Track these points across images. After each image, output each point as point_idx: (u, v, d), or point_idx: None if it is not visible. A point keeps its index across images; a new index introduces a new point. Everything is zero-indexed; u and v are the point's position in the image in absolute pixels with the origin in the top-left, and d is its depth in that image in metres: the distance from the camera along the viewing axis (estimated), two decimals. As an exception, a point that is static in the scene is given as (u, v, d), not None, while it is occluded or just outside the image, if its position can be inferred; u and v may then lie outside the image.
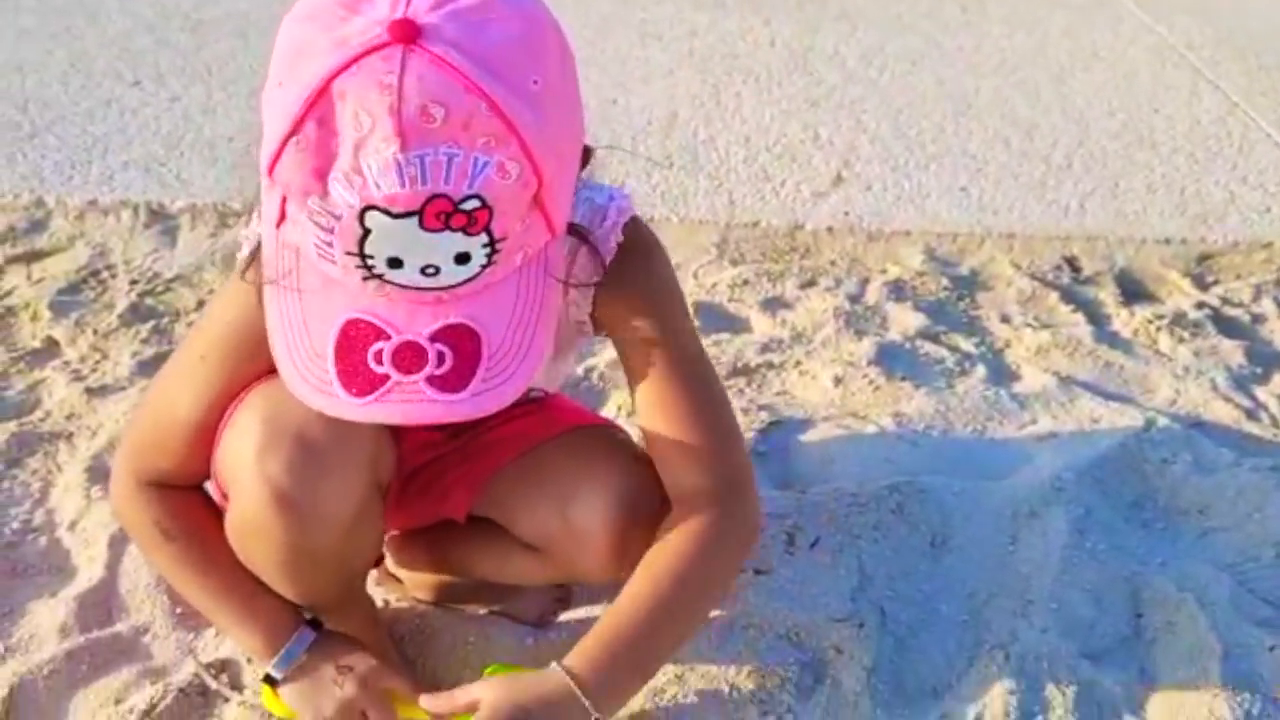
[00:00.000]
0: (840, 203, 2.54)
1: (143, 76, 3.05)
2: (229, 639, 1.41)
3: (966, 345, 2.11)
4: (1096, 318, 2.23)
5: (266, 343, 1.08)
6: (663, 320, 1.21)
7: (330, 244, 0.94)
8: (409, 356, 0.97)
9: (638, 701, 1.38)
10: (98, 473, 1.77)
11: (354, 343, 0.98)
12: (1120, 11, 3.87)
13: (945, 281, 2.30)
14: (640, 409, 1.23)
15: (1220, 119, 3.08)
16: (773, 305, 2.20)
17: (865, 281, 2.29)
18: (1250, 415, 1.98)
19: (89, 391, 1.96)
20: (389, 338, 0.97)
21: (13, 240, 2.40)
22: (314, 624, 1.28)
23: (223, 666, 1.44)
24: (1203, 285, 2.37)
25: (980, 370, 2.04)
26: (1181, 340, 2.16)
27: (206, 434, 1.22)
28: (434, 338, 0.98)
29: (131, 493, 1.28)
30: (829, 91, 3.14)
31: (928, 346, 2.09)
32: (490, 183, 0.92)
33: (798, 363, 2.02)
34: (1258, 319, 2.27)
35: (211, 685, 1.41)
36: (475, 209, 0.92)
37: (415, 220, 0.91)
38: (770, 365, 2.01)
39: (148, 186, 2.51)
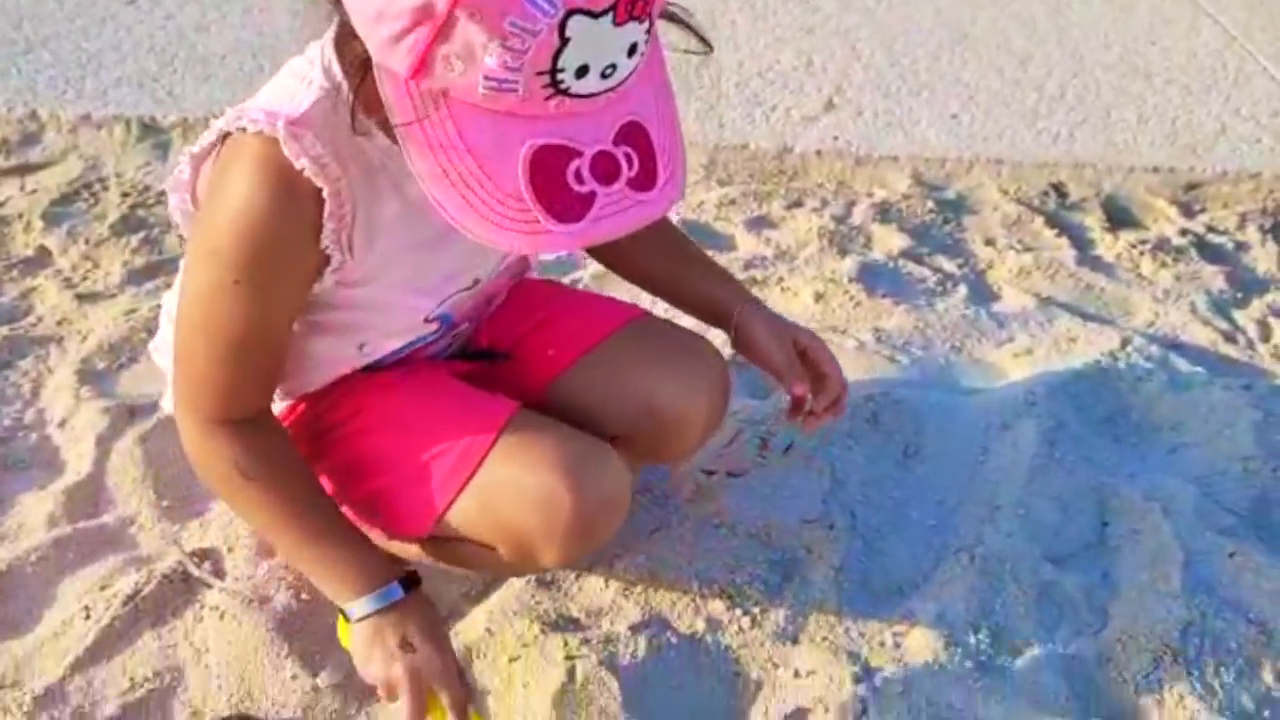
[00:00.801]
0: (830, 127, 2.54)
1: (137, -5, 3.04)
2: (310, 576, 1.29)
3: (949, 266, 2.13)
4: (1080, 242, 2.24)
5: (295, 243, 1.07)
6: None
7: (518, 67, 0.86)
8: (605, 167, 0.92)
9: (609, 593, 1.41)
10: (87, 375, 1.80)
11: (548, 170, 0.91)
12: (1122, -54, 3.84)
13: (931, 205, 2.31)
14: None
15: (1217, 52, 3.07)
16: (758, 224, 2.21)
17: (851, 203, 2.30)
18: (1228, 338, 2.00)
19: (80, 298, 1.99)
20: (580, 154, 0.91)
21: (6, 153, 2.41)
22: (408, 582, 1.21)
23: (205, 555, 1.48)
24: (1189, 213, 2.38)
25: (961, 290, 2.06)
26: (1164, 265, 2.17)
27: (264, 358, 1.18)
28: (616, 142, 0.93)
29: (202, 437, 1.21)
30: (824, 20, 3.12)
31: (910, 266, 2.11)
32: None
33: (780, 279, 2.04)
34: (1241, 246, 2.28)
35: (194, 573, 1.44)
36: None
37: (610, 17, 0.86)
38: (753, 281, 2.03)
39: (140, 101, 2.52)
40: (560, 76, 0.88)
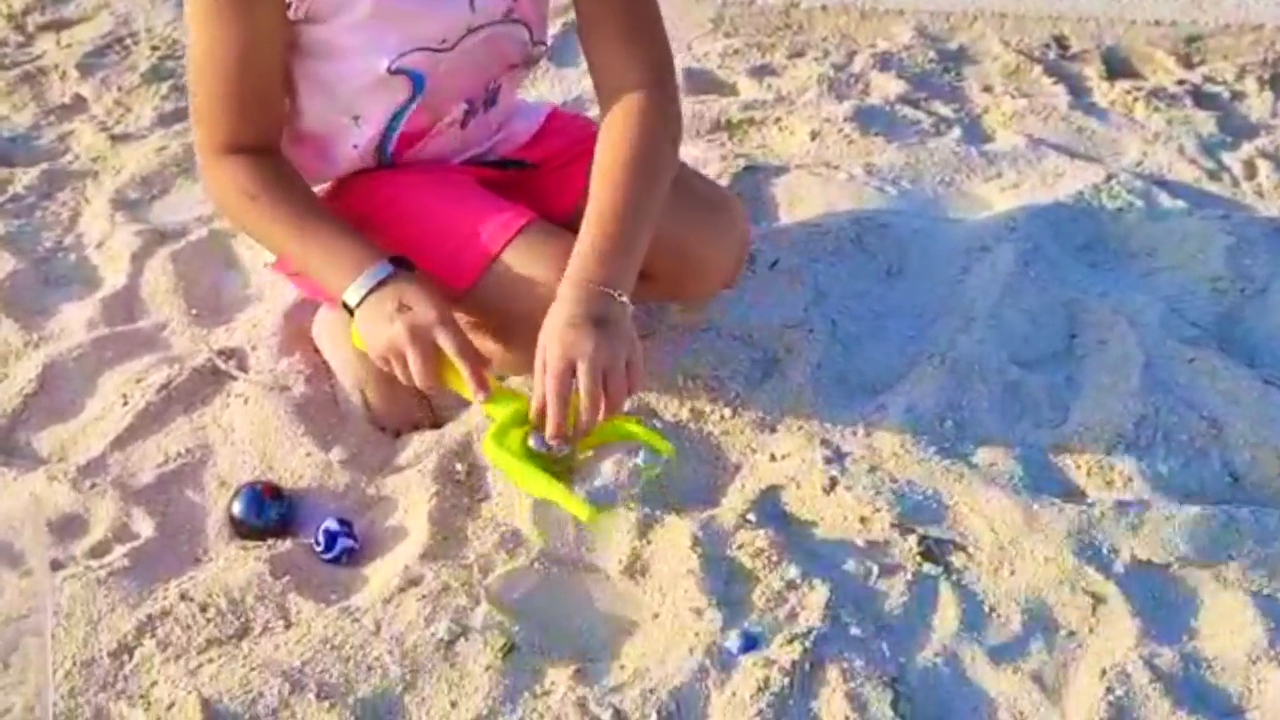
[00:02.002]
0: (837, -16, 2.59)
1: None
2: (316, 278, 1.36)
3: (945, 110, 2.19)
4: (1077, 90, 2.30)
5: None
6: None
7: None
8: None
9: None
10: (121, 204, 1.93)
11: None
12: None
13: (932, 55, 2.37)
14: (602, 32, 1.36)
15: (1233, -86, 3.06)
16: (760, 72, 2.28)
17: (853, 54, 2.36)
18: (1212, 176, 2.05)
19: (114, 138, 2.11)
20: None
21: (41, 9, 2.52)
22: (400, 262, 1.28)
23: (232, 353, 1.60)
24: (1188, 64, 2.42)
25: (955, 132, 2.13)
26: (1157, 110, 2.22)
27: (255, 84, 1.28)
28: None
29: (211, 166, 1.33)
30: (840, -116, 3.14)
31: (906, 110, 2.18)
32: None
33: (778, 119, 2.11)
34: (1237, 95, 2.32)
35: (221, 366, 1.57)
36: None
37: None
38: (751, 121, 2.11)
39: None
40: None
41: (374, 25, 1.29)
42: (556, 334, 1.22)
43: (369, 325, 1.26)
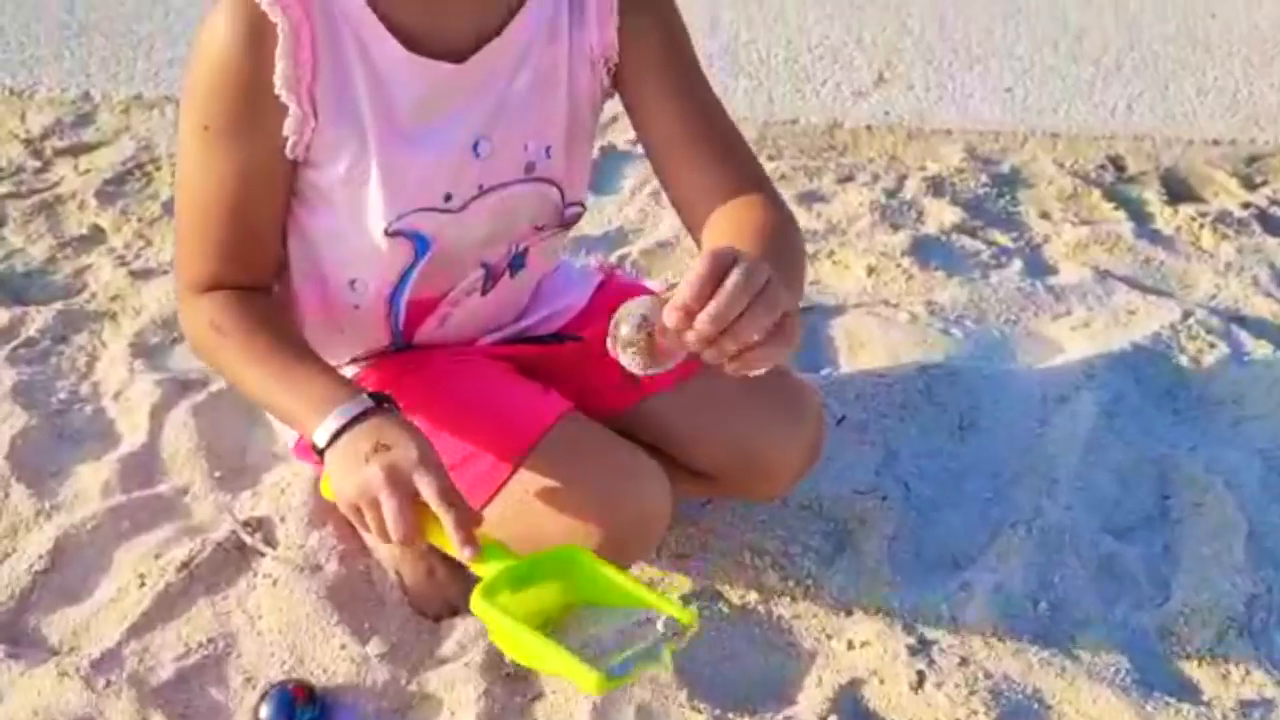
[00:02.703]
0: (881, 102, 2.51)
1: (188, -21, 3.07)
2: (284, 418, 1.20)
3: (1004, 239, 2.10)
4: (1139, 215, 2.20)
5: (260, 88, 1.06)
6: (680, 28, 1.21)
7: None
8: None
9: (661, 564, 1.40)
10: (141, 349, 1.82)
11: None
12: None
13: (985, 178, 2.27)
14: (675, 120, 1.18)
15: (1279, 23, 3.00)
16: (808, 199, 2.19)
17: (903, 178, 2.27)
18: (1292, 311, 1.95)
19: (133, 275, 2.01)
20: None
21: (60, 134, 2.44)
22: (378, 398, 1.10)
23: (259, 525, 1.48)
24: (1250, 185, 2.33)
25: (1016, 263, 2.02)
26: (1225, 238, 2.13)
27: (241, 225, 1.15)
28: None
29: (188, 305, 1.20)
30: (874, -5, 3.09)
31: (964, 240, 2.08)
32: None
33: (831, 253, 2.01)
34: (1306, 219, 2.23)
35: (247, 541, 1.45)
36: None
37: None
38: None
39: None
40: None
41: (371, 178, 1.15)
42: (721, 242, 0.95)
43: (339, 468, 1.06)
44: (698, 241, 1.19)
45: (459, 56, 1.13)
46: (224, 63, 1.08)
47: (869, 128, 2.41)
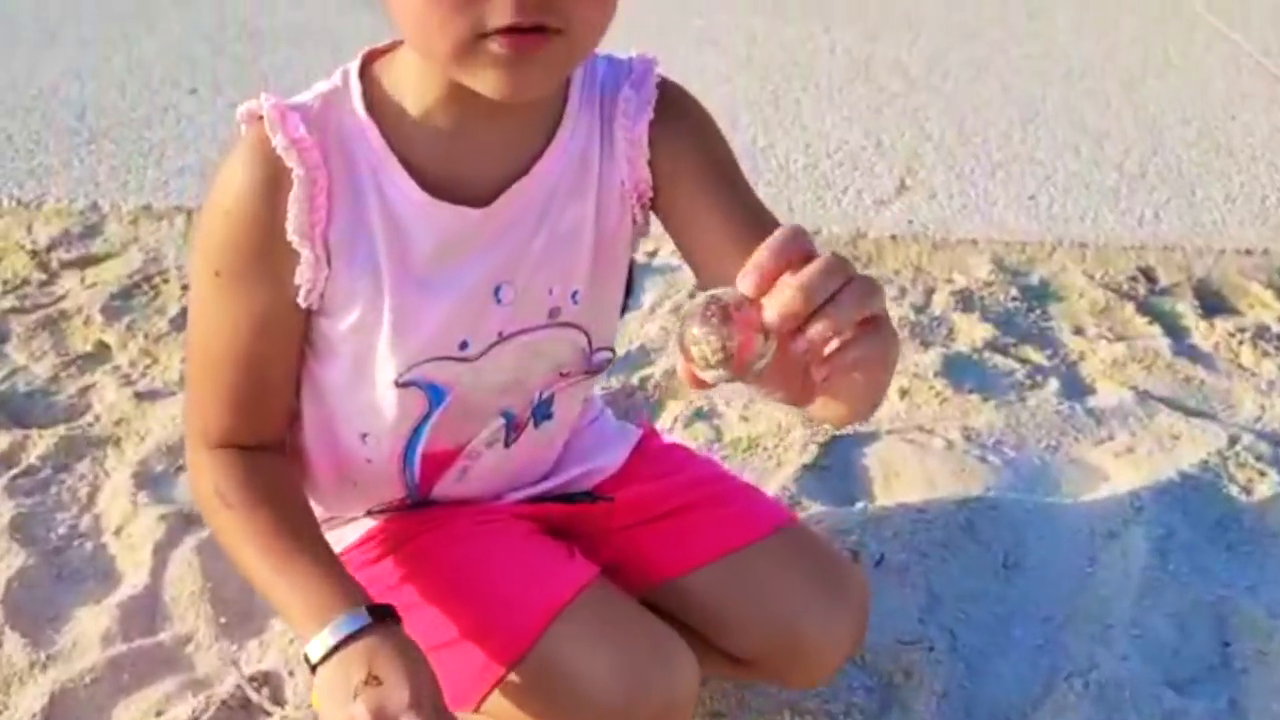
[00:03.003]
0: (904, 211, 2.46)
1: (199, 84, 3.05)
2: (281, 613, 1.14)
3: (1038, 357, 2.03)
4: (1174, 330, 2.14)
5: (274, 234, 1.00)
6: (715, 134, 1.13)
7: None
8: None
9: (695, 724, 1.31)
10: (144, 478, 1.75)
11: None
12: (1192, 18, 3.76)
13: (1014, 292, 2.22)
14: (721, 231, 1.07)
15: (1300, 127, 2.97)
16: (835, 315, 2.13)
17: (930, 291, 2.21)
18: (1341, 434, 1.87)
19: (138, 396, 1.94)
20: None
21: (68, 245, 2.39)
22: (380, 611, 1.03)
23: (265, 679, 1.40)
24: (1286, 297, 2.27)
25: (1053, 383, 1.96)
26: (1265, 354, 2.06)
27: (250, 379, 1.09)
28: None
29: (195, 458, 1.13)
30: (891, 99, 3.06)
31: (997, 358, 2.01)
32: None
33: (861, 374, 1.94)
34: (1345, 333, 2.16)
35: (254, 699, 1.36)
36: None
37: None
38: (832, 376, 1.94)
39: (201, 192, 2.49)
40: None
41: (384, 325, 1.08)
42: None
43: (328, 693, 0.99)
44: None
45: (482, 199, 1.06)
46: (238, 209, 1.02)
47: (893, 237, 2.36)
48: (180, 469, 1.78)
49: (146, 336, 2.11)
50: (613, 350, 1.23)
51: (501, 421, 1.19)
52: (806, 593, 1.21)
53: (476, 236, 1.07)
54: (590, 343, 1.18)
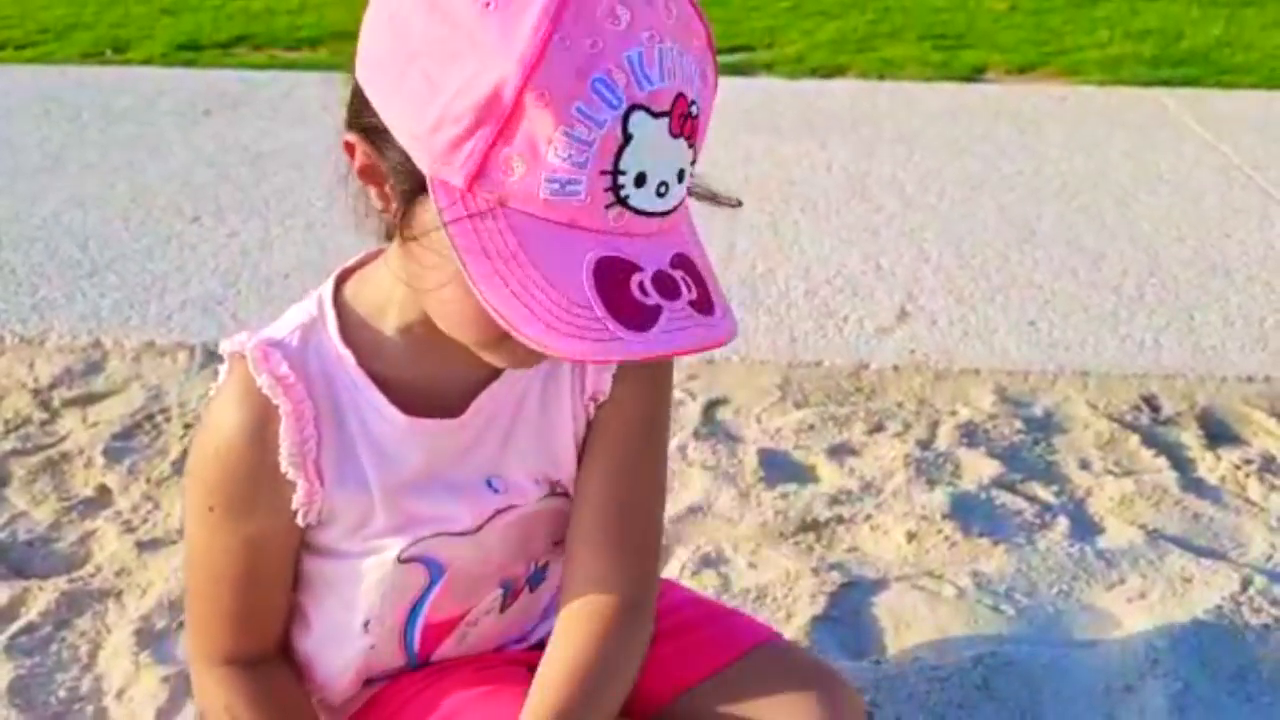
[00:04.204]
0: (905, 339, 2.47)
1: (202, 211, 3.08)
2: None
3: (1045, 495, 2.02)
4: (1180, 463, 2.13)
5: (266, 468, 1.03)
6: (664, 404, 1.20)
7: (583, 164, 0.84)
8: (668, 284, 0.89)
9: None
10: (146, 635, 1.72)
11: (613, 280, 0.87)
12: (1181, 131, 3.82)
13: (1019, 424, 2.21)
14: (598, 504, 1.15)
15: (1293, 244, 3.00)
16: (840, 452, 2.12)
17: (935, 424, 2.21)
18: (1354, 572, 1.86)
19: (139, 545, 1.92)
20: (641, 269, 0.88)
21: (69, 383, 2.39)
22: None
23: None
24: (1290, 426, 2.27)
25: (1062, 523, 1.94)
26: (1274, 488, 2.05)
27: (251, 597, 1.12)
28: (672, 266, 0.90)
29: (198, 676, 1.17)
30: (889, 219, 3.10)
31: (1004, 497, 2.00)
32: (701, 88, 0.88)
33: (868, 516, 1.93)
34: (1351, 462, 2.16)
35: None
36: (696, 114, 0.87)
37: (667, 122, 0.85)
38: (840, 519, 1.93)
39: (204, 327, 2.50)
40: (621, 180, 0.86)
41: (385, 520, 1.11)
42: None
43: None
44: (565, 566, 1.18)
45: (458, 406, 1.10)
46: (228, 448, 1.06)
47: (895, 368, 2.37)
48: (182, 625, 1.76)
49: (148, 480, 2.10)
50: None
51: (499, 591, 1.22)
52: (798, 707, 1.20)
53: (458, 443, 1.11)
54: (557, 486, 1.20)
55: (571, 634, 1.13)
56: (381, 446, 1.08)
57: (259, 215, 3.05)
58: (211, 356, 2.43)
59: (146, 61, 4.75)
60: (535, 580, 1.24)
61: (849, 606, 1.74)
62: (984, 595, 1.76)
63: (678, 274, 0.89)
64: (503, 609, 1.23)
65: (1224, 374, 2.37)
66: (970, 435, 2.18)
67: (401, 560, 1.12)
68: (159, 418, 2.29)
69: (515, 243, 0.86)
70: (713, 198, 1.01)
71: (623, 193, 0.86)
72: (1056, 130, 3.81)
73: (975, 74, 4.57)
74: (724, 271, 2.76)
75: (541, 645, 1.27)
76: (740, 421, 2.21)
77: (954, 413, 2.25)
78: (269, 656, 1.15)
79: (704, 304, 0.90)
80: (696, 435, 2.15)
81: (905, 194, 3.27)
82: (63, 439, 2.23)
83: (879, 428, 2.20)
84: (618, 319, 0.86)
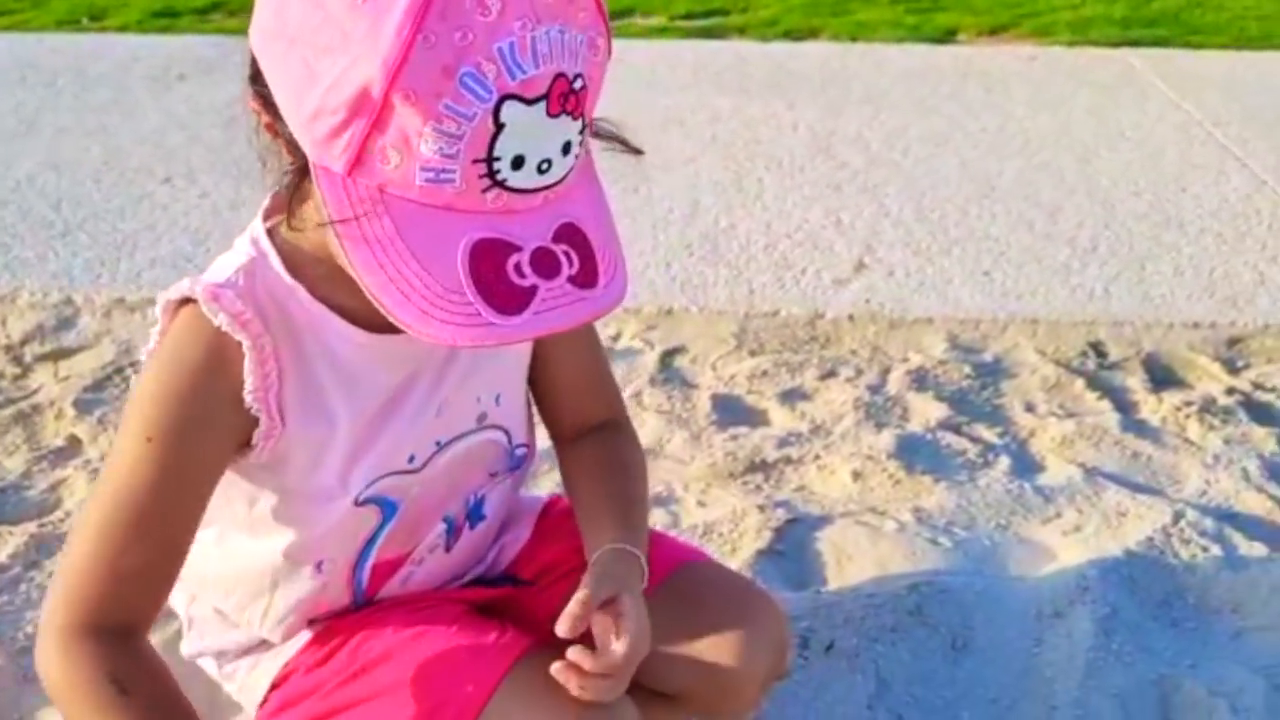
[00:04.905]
0: (861, 290, 2.52)
1: (174, 173, 3.11)
2: None
3: (990, 436, 2.08)
4: (1123, 405, 2.19)
5: (220, 402, 1.03)
6: None
7: (455, 154, 0.86)
8: (546, 262, 0.91)
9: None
10: (112, 576, 1.77)
11: (488, 263, 0.90)
12: (1146, 89, 3.87)
13: (968, 370, 2.27)
14: (579, 367, 1.30)
15: (1248, 196, 3.05)
16: (791, 397, 2.18)
17: (886, 371, 2.26)
18: (1283, 506, 1.92)
19: (108, 491, 1.97)
20: (519, 249, 0.90)
21: (41, 338, 2.43)
22: None
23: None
24: (1233, 370, 2.32)
25: (1004, 462, 2.00)
26: (1212, 428, 2.11)
27: (162, 541, 1.05)
28: (555, 240, 0.92)
29: (68, 643, 1.03)
30: (852, 175, 3.14)
31: (950, 438, 2.06)
32: (589, 60, 0.89)
33: (816, 457, 1.99)
34: (1291, 404, 2.22)
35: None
36: (580, 89, 0.88)
37: (543, 106, 0.87)
38: (788, 460, 1.98)
39: (173, 282, 2.54)
40: (497, 166, 0.88)
41: (340, 458, 1.13)
42: (624, 601, 1.14)
43: None
44: (550, 425, 1.34)
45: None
46: (183, 381, 1.04)
47: (851, 318, 2.42)
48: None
49: (116, 429, 2.14)
50: (529, 445, 1.30)
51: (443, 527, 1.26)
52: (720, 624, 1.25)
53: (411, 359, 1.14)
54: (510, 439, 1.26)
55: (585, 463, 1.30)
56: (347, 369, 1.09)
57: (229, 176, 3.08)
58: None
59: (123, 28, 4.75)
60: (475, 516, 1.29)
61: (793, 541, 1.80)
62: (924, 529, 1.82)
63: (560, 249, 0.92)
64: (448, 548, 1.27)
65: (1171, 320, 2.43)
66: (920, 380, 2.23)
67: (358, 504, 1.15)
68: (128, 371, 2.33)
69: (393, 229, 0.89)
70: (620, 142, 1.04)
71: (499, 176, 0.88)
72: (1023, 89, 3.85)
73: (947, 36, 4.60)
74: (686, 227, 2.82)
75: (479, 582, 1.34)
76: (696, 369, 2.27)
77: (905, 359, 2.31)
78: (141, 634, 1.07)
79: (586, 276, 0.93)
80: (653, 382, 2.21)
81: (870, 151, 3.32)
82: (34, 392, 2.27)
83: (831, 374, 2.25)
84: (490, 303, 0.89)
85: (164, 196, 2.98)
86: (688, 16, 4.91)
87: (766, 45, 4.45)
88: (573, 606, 1.08)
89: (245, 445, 1.09)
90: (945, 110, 3.64)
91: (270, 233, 1.08)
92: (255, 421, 1.07)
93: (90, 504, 1.07)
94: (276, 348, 1.06)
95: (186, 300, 1.05)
